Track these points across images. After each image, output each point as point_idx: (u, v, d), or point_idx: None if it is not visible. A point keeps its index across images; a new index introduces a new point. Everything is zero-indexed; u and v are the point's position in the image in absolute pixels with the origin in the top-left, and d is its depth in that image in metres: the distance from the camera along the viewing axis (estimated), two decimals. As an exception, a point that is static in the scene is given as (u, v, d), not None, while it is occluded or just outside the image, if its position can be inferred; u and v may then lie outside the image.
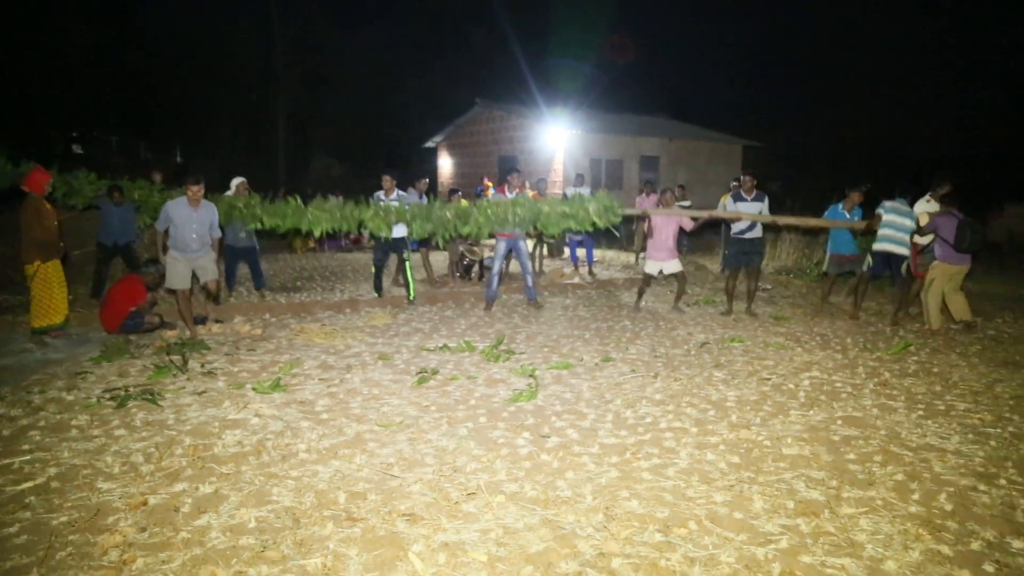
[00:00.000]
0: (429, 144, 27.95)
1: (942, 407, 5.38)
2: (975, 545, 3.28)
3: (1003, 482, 4.00)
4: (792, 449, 4.43)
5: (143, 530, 3.34)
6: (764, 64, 42.13)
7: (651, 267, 9.23)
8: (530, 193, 10.16)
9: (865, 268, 8.81)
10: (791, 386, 5.85)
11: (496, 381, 5.97)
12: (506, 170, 9.65)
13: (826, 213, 9.58)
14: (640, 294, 9.53)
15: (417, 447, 4.43)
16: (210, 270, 7.66)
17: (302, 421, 4.90)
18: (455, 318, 8.71)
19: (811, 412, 5.18)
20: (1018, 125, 30.12)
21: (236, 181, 9.77)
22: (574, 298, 10.32)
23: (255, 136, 34.93)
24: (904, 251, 8.45)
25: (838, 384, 5.97)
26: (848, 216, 9.29)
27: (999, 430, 4.88)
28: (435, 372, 6.15)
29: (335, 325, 8.14)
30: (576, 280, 11.92)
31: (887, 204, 8.51)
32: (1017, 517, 3.57)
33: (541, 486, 3.87)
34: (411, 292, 9.68)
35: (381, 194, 9.72)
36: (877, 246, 8.55)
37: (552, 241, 13.50)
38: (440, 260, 13.40)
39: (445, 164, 27.33)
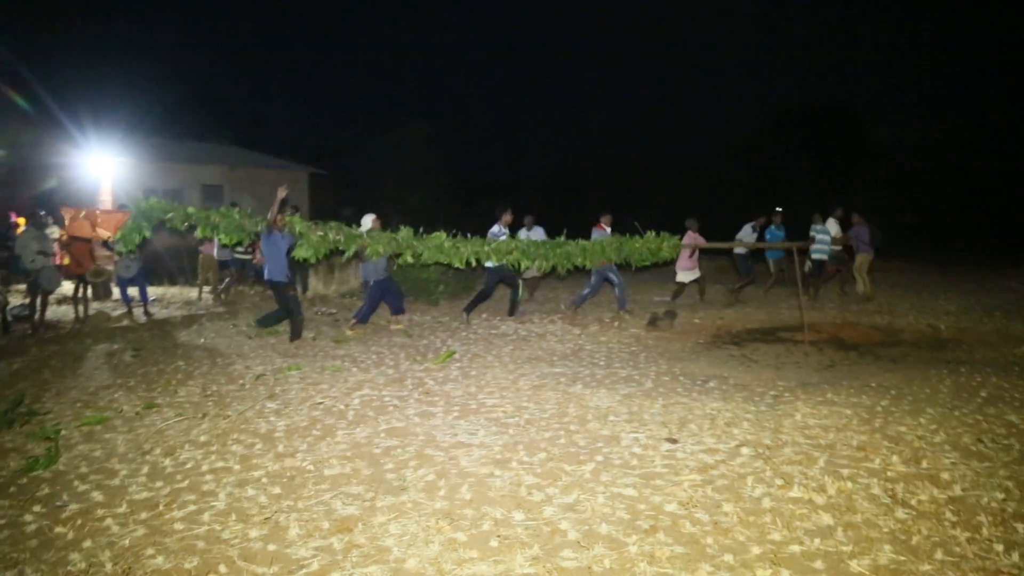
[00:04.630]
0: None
1: (474, 406, 5.99)
2: (486, 526, 3.67)
3: (514, 464, 4.57)
4: (334, 469, 4.52)
5: None
6: (334, 90, 43.34)
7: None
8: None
9: (806, 270, 12.96)
10: (342, 407, 5.99)
11: (6, 452, 5.08)
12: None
13: (767, 234, 13.15)
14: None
15: None
16: None
17: None
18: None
19: (358, 429, 5.35)
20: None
21: (371, 217, 9.64)
22: (123, 342, 9.29)
23: None
24: (826, 257, 13.11)
25: (387, 398, 6.28)
26: (780, 233, 13.24)
27: (516, 419, 5.59)
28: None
29: None
30: (126, 323, 10.79)
31: (817, 227, 13.06)
32: (521, 493, 4.09)
33: (48, 564, 3.37)
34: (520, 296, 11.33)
35: (497, 228, 10.49)
36: (815, 256, 13.01)
37: (98, 281, 12.07)
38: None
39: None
